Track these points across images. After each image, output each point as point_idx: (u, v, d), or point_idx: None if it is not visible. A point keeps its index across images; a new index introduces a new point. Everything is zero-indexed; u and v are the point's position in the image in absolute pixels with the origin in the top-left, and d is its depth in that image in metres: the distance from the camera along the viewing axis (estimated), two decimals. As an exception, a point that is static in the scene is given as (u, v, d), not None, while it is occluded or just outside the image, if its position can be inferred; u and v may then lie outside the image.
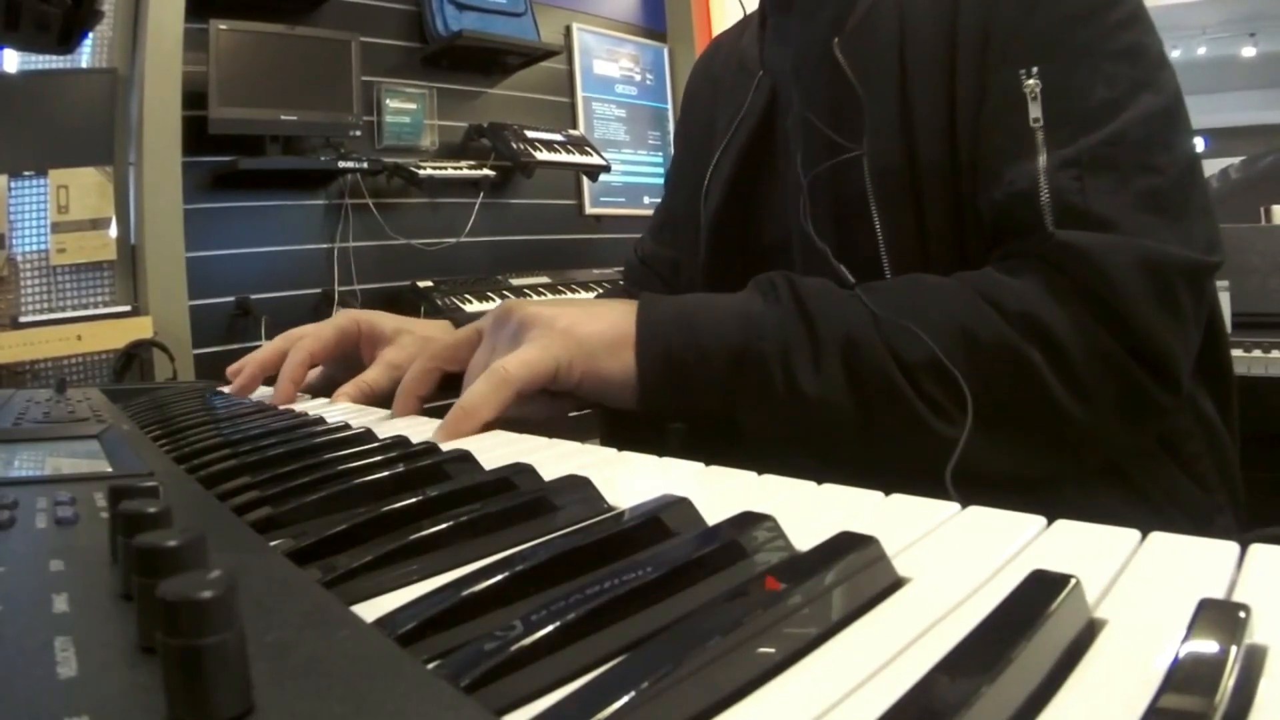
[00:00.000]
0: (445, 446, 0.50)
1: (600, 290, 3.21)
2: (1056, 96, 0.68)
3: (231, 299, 2.67)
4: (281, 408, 0.80)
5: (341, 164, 2.80)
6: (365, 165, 2.85)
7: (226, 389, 0.97)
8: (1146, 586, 0.26)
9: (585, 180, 3.67)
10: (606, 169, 3.50)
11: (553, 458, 0.48)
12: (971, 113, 0.73)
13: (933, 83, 0.75)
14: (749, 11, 1.09)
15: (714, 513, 0.33)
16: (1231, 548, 0.27)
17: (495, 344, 0.68)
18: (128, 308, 2.45)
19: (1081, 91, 0.68)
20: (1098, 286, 0.62)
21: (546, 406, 0.68)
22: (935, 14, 0.76)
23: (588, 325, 0.65)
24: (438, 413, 0.71)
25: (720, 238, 0.96)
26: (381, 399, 0.88)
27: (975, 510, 0.34)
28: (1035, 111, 0.68)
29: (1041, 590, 0.23)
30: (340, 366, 0.95)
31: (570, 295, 3.15)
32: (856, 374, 0.63)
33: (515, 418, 0.62)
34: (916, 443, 0.63)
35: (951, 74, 0.74)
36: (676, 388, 0.65)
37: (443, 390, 0.97)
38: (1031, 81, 0.69)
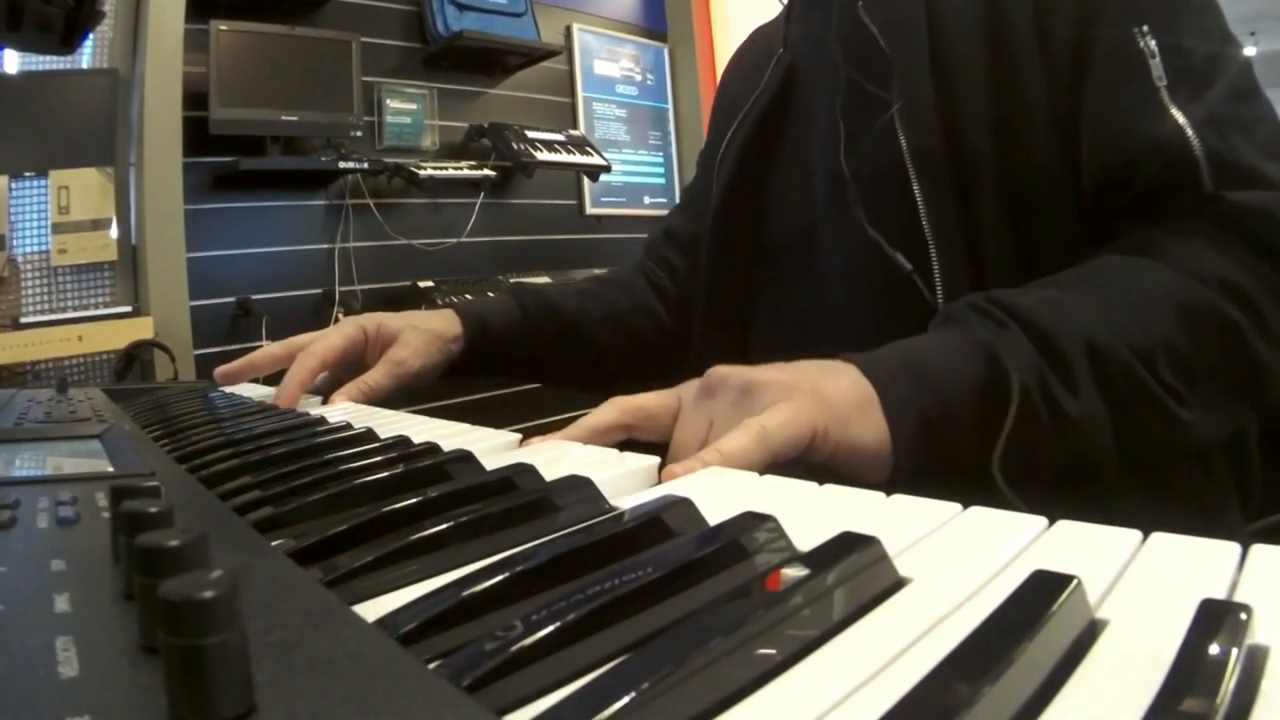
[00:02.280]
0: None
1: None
2: (1170, 53, 0.69)
3: (232, 299, 2.66)
4: (284, 407, 0.80)
5: (342, 164, 2.80)
6: (366, 165, 2.85)
7: (232, 389, 0.97)
8: (1148, 587, 0.26)
9: (586, 180, 3.67)
10: (607, 169, 3.50)
11: (554, 458, 0.48)
12: (1032, 55, 0.73)
13: (967, 32, 0.76)
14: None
15: (715, 513, 0.33)
16: (1233, 548, 0.27)
17: (712, 412, 0.59)
18: (129, 308, 2.45)
19: (1189, 46, 0.69)
20: (1275, 241, 0.64)
21: None
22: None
23: (830, 385, 0.56)
24: (438, 413, 0.71)
25: (731, 207, 0.98)
26: (382, 399, 0.88)
27: (976, 510, 0.34)
28: (1158, 70, 0.68)
29: (1043, 590, 0.23)
30: (348, 372, 0.94)
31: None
32: (1106, 380, 0.59)
33: None
34: (1162, 433, 0.61)
35: (992, 20, 0.75)
36: (935, 446, 0.57)
37: (443, 377, 0.98)
38: (1150, 40, 0.69)
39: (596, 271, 3.42)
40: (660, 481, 0.47)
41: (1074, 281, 0.65)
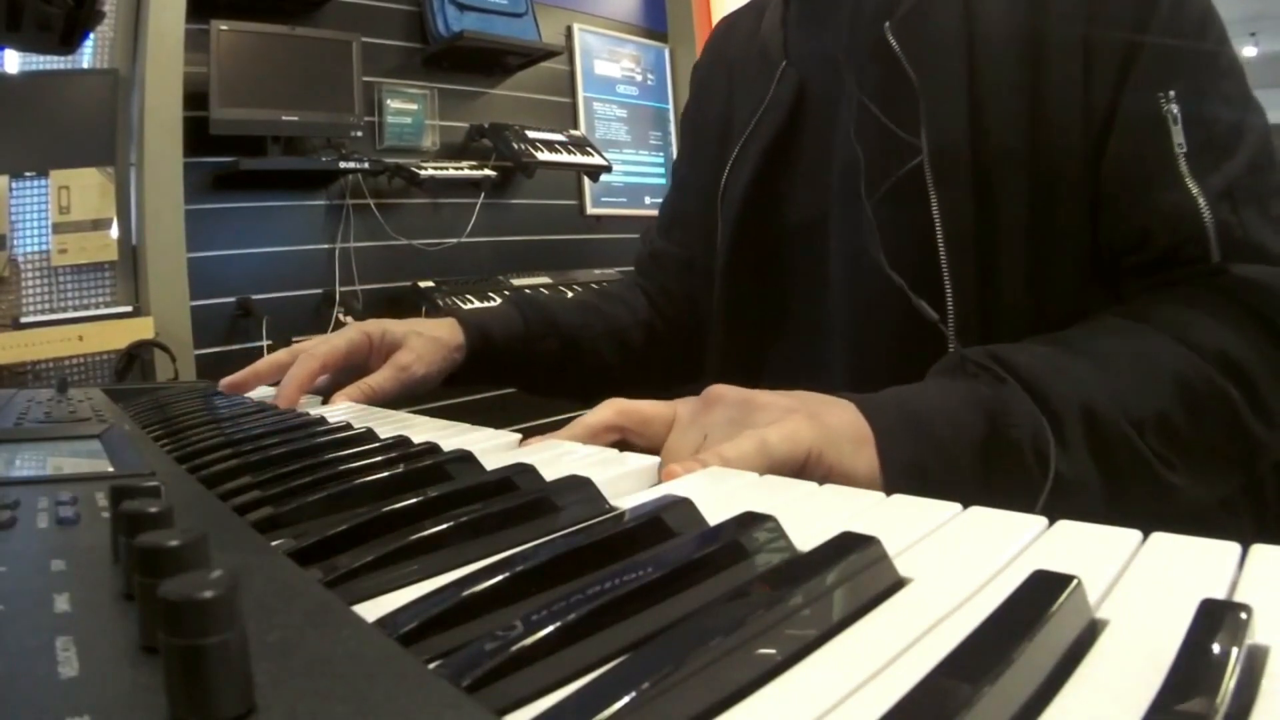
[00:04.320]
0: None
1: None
2: (1193, 121, 0.68)
3: (233, 299, 2.67)
4: (283, 408, 0.80)
5: (343, 164, 2.80)
6: (366, 166, 2.85)
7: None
8: (1148, 587, 0.26)
9: (586, 180, 3.67)
10: (607, 169, 3.50)
11: (554, 458, 0.48)
12: (1069, 113, 0.72)
13: (1007, 74, 0.73)
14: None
15: (715, 513, 0.33)
16: (1233, 548, 0.27)
17: (706, 429, 0.59)
18: (129, 308, 2.45)
19: (1212, 114, 0.69)
20: (1276, 316, 0.64)
21: None
22: (1011, 4, 0.75)
23: (830, 414, 0.56)
24: (438, 413, 0.71)
25: (743, 241, 0.94)
26: (383, 401, 0.88)
27: (976, 510, 0.34)
28: (1179, 137, 0.68)
29: (1043, 590, 0.23)
30: (349, 376, 0.93)
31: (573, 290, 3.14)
32: (1099, 443, 0.59)
33: None
34: (1151, 496, 0.61)
35: (1033, 69, 0.73)
36: (925, 490, 0.58)
37: (444, 383, 0.98)
38: (1173, 107, 0.68)
39: (596, 272, 3.43)
40: (660, 481, 0.47)
41: (1072, 342, 0.65)
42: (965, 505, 0.33)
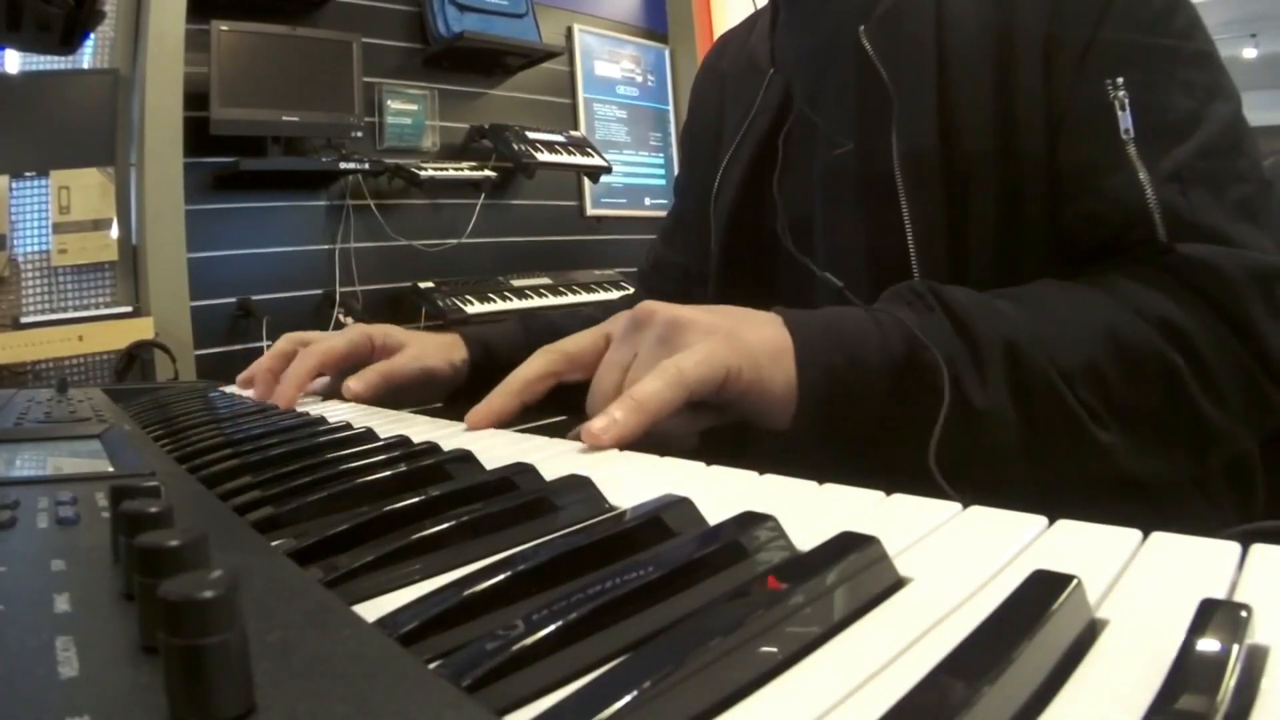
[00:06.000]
0: (579, 464, 0.44)
1: (605, 293, 3.21)
2: (1144, 108, 0.69)
3: (233, 300, 2.67)
4: (282, 408, 0.80)
5: (343, 165, 2.80)
6: (367, 166, 2.85)
7: (232, 389, 0.97)
8: (1148, 586, 0.26)
9: (586, 181, 3.67)
10: (608, 170, 3.50)
11: (554, 457, 0.49)
12: (1034, 109, 0.73)
13: (976, 74, 0.74)
14: (758, 7, 1.08)
15: (715, 513, 0.33)
16: (1233, 548, 0.27)
17: (636, 347, 0.61)
18: (129, 308, 2.45)
19: (1165, 101, 0.69)
20: (1222, 296, 0.63)
21: (687, 421, 0.59)
22: (980, 5, 0.76)
23: (750, 332, 0.59)
24: (439, 413, 0.71)
25: (734, 244, 0.95)
26: (399, 388, 0.88)
27: (976, 510, 0.34)
28: (1125, 123, 0.69)
29: (1043, 590, 0.23)
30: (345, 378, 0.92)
31: (574, 298, 3.15)
32: (1020, 384, 0.60)
33: (650, 435, 0.54)
34: (1077, 451, 0.61)
35: (1001, 67, 0.74)
36: (837, 403, 0.59)
37: (449, 400, 0.96)
38: (1120, 93, 0.69)
39: (596, 273, 3.43)
40: (581, 443, 0.52)
41: (1014, 294, 0.66)
42: (882, 426, 0.32)
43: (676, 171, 1.15)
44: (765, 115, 0.93)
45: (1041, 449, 0.61)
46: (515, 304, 2.95)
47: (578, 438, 0.54)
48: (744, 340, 0.57)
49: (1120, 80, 0.69)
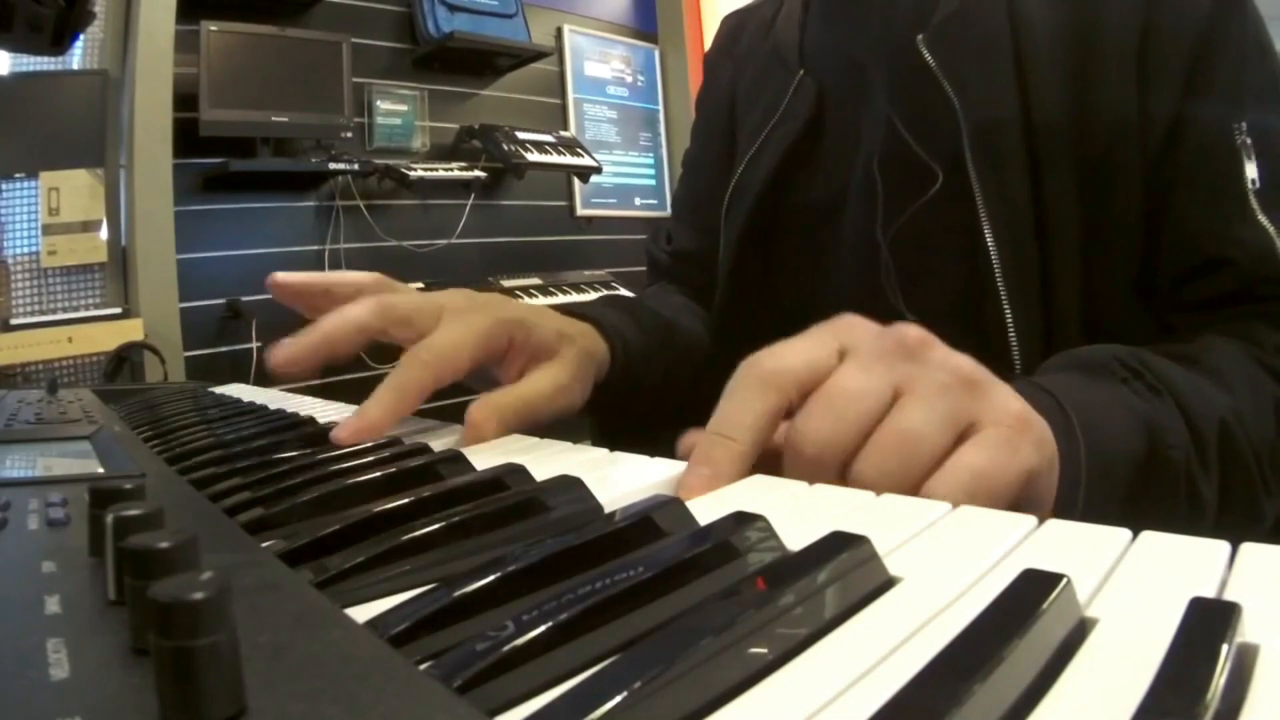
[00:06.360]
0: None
1: (595, 293, 3.21)
2: (1263, 154, 0.67)
3: (222, 301, 2.66)
4: (303, 414, 0.70)
5: (332, 166, 2.80)
6: (356, 167, 2.85)
7: (230, 389, 0.96)
8: (1138, 585, 0.26)
9: (576, 182, 3.68)
10: (597, 170, 3.50)
11: (545, 458, 0.48)
12: (1121, 115, 0.69)
13: (1056, 84, 0.70)
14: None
15: (706, 513, 0.33)
16: (1222, 547, 0.28)
17: (907, 382, 0.42)
18: (118, 310, 2.45)
19: (1276, 145, 0.68)
20: None
21: None
22: (1058, 10, 0.71)
23: (1046, 430, 0.46)
24: (432, 414, 0.70)
25: (747, 250, 0.90)
26: (518, 428, 0.60)
27: (966, 510, 0.34)
28: (1251, 171, 0.67)
29: (1033, 589, 0.23)
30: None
31: (564, 298, 3.14)
32: (1228, 468, 0.57)
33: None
34: (1246, 520, 0.60)
35: (1084, 79, 0.70)
36: (1084, 509, 0.49)
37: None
38: (1245, 138, 0.67)
39: (587, 273, 3.43)
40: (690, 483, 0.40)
41: (1191, 359, 0.62)
42: (1132, 530, 0.29)
43: (679, 157, 1.05)
44: (792, 122, 0.86)
45: (1219, 515, 0.58)
46: (506, 305, 2.94)
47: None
48: (1045, 439, 0.45)
49: (1244, 125, 0.67)
